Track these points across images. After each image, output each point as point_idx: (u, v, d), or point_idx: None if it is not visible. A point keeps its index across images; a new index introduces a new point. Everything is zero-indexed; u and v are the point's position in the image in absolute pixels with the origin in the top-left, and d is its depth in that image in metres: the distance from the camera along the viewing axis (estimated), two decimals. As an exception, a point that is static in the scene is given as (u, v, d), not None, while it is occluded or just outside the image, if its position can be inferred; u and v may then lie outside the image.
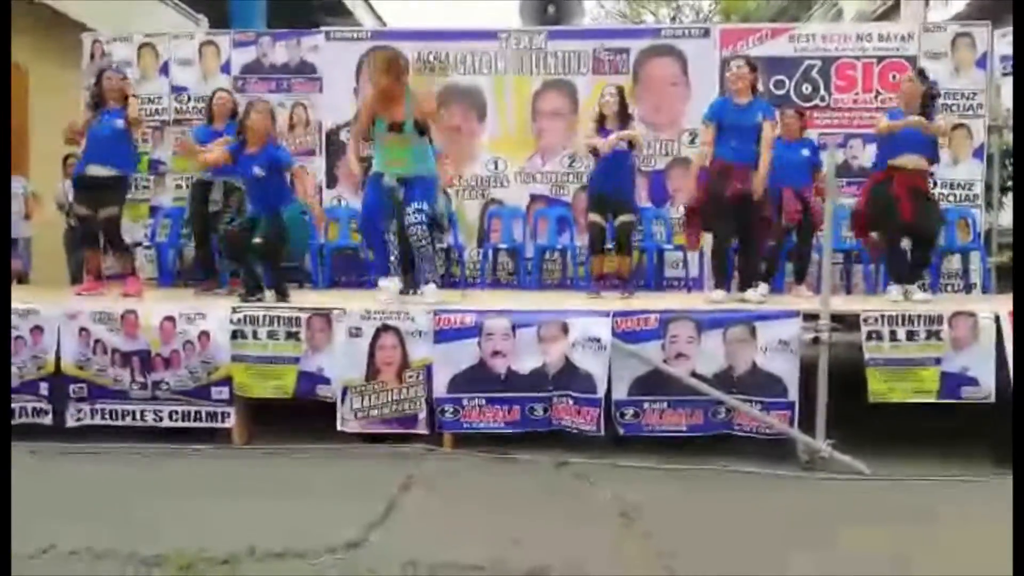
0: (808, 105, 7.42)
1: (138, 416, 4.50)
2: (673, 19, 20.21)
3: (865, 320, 4.20)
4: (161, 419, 4.49)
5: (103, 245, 5.90)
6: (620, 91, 5.91)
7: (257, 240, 4.98)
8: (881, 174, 5.39)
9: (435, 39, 7.69)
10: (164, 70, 7.78)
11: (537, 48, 7.58)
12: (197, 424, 4.46)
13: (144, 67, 7.76)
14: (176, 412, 4.48)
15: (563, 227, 7.18)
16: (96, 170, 5.56)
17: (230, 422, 4.44)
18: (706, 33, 7.59)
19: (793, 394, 4.16)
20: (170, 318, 4.49)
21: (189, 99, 7.76)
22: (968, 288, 6.88)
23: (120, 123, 5.63)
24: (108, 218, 5.67)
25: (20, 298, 4.82)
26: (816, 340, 4.09)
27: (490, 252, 7.28)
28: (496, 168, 7.51)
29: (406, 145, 4.87)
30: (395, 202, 4.92)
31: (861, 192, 5.93)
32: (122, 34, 7.83)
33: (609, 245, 6.54)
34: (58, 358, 4.52)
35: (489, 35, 7.67)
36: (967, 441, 4.25)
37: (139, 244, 7.47)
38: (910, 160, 5.28)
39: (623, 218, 5.74)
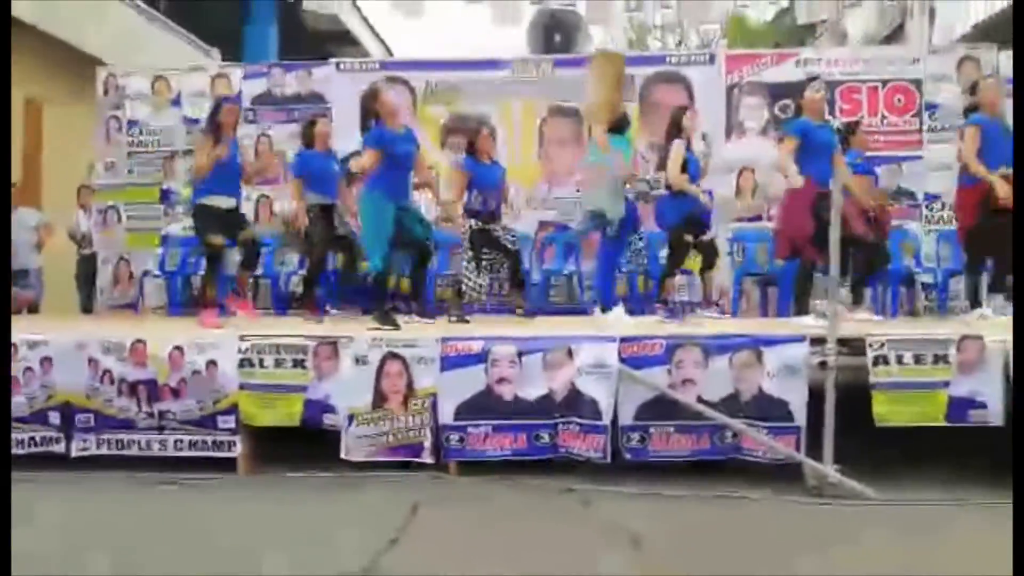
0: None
1: (144, 446, 4.51)
2: (679, 45, 20.37)
3: (871, 344, 4.17)
4: (167, 448, 4.50)
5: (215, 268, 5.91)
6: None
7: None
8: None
9: (443, 69, 7.79)
10: (176, 102, 7.91)
11: (544, 76, 7.66)
12: (203, 453, 4.47)
13: (157, 100, 7.90)
14: (182, 441, 4.49)
15: (569, 253, 7.17)
16: (226, 201, 5.67)
17: (236, 451, 4.45)
18: (711, 59, 7.66)
19: (800, 419, 4.12)
20: (179, 348, 4.52)
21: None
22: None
23: (238, 154, 5.81)
24: (250, 239, 5.83)
25: (30, 328, 4.87)
26: (823, 364, 4.07)
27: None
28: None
29: None
30: None
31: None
32: (136, 68, 8.00)
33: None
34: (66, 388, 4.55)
35: (497, 64, 7.76)
36: (975, 465, 4.19)
37: (147, 272, 7.55)
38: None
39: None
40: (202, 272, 6.16)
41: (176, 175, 7.86)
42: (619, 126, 5.07)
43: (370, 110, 5.46)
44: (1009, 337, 4.09)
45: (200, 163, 5.57)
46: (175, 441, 4.49)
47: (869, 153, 6.37)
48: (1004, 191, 5.08)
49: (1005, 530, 3.44)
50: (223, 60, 10.69)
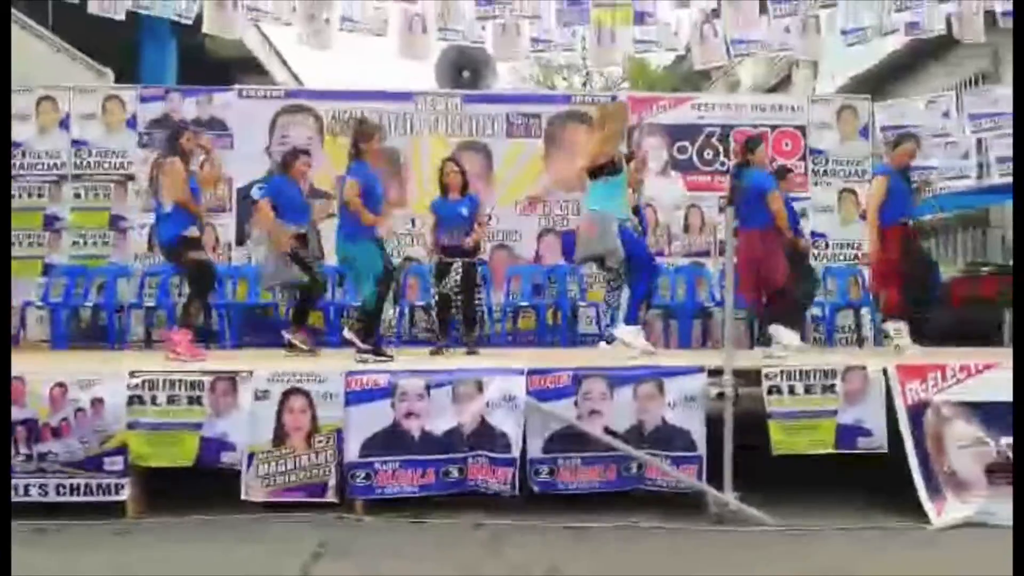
0: (708, 170, 7.83)
1: (22, 491, 4.17)
2: (584, 85, 21.02)
3: (766, 375, 4.37)
4: (47, 493, 4.18)
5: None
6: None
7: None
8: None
9: (350, 99, 7.75)
10: (64, 124, 7.52)
11: (452, 110, 7.75)
12: (87, 498, 4.17)
13: (43, 120, 7.50)
14: (64, 486, 4.18)
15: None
16: (195, 232, 5.49)
17: (124, 494, 4.18)
18: (614, 99, 7.95)
19: (701, 448, 4.25)
20: (61, 384, 4.23)
21: (90, 153, 7.51)
22: (860, 342, 7.28)
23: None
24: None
25: None
26: (721, 395, 4.22)
27: (406, 309, 7.25)
28: (413, 226, 7.54)
29: None
30: None
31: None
32: (20, 86, 7.56)
33: (525, 303, 6.63)
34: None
35: (404, 96, 7.80)
36: (867, 490, 4.43)
37: (29, 303, 7.09)
38: None
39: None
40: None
41: (63, 200, 7.44)
42: (612, 170, 5.16)
43: (355, 144, 5.42)
44: (891, 365, 4.37)
45: (180, 194, 5.31)
46: (56, 485, 4.18)
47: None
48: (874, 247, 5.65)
49: (898, 554, 3.66)
50: (117, 82, 10.26)
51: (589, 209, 5.35)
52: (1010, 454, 4.10)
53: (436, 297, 6.13)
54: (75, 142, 7.48)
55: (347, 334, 5.33)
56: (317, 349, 5.85)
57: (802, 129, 7.85)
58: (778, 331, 5.35)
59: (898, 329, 5.61)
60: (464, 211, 6.00)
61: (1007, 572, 3.13)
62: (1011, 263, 9.17)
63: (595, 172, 5.21)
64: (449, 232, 5.99)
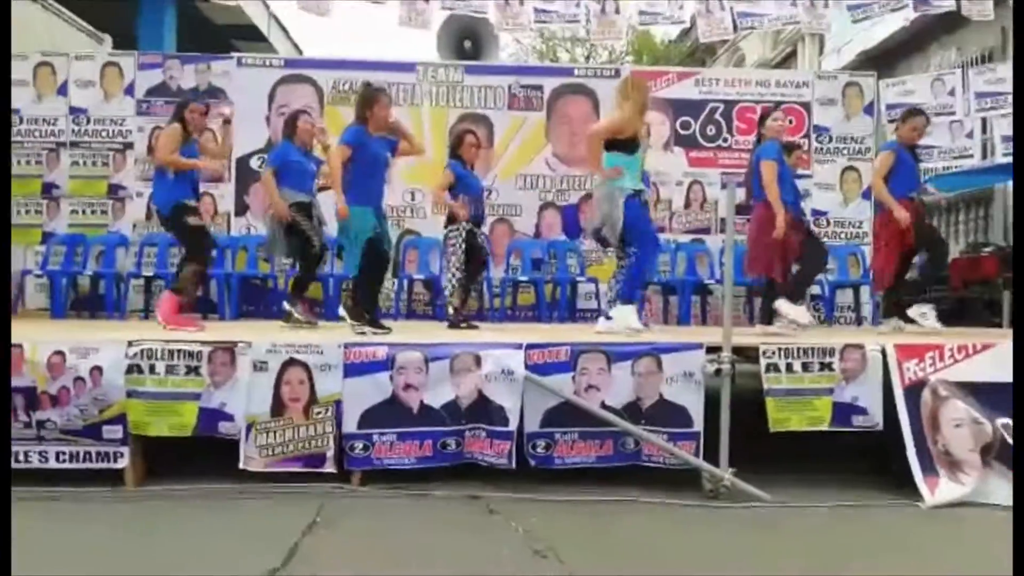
0: (711, 146, 7.77)
1: (22, 458, 4.19)
2: (587, 59, 20.81)
3: (764, 352, 4.37)
4: (47, 460, 4.20)
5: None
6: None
7: None
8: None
9: (350, 69, 7.68)
10: (62, 90, 7.45)
11: (454, 82, 7.67)
12: (87, 465, 4.19)
13: (40, 87, 7.43)
14: (64, 453, 4.20)
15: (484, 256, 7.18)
16: (194, 202, 5.53)
17: (123, 462, 4.20)
18: (617, 73, 7.87)
19: (698, 424, 4.27)
20: (59, 352, 4.23)
21: (88, 121, 7.46)
22: (859, 320, 7.29)
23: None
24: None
25: None
26: (718, 372, 4.23)
27: (406, 282, 7.24)
28: (412, 199, 7.51)
29: None
30: None
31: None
32: (18, 52, 7.48)
33: (524, 278, 6.61)
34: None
35: (406, 67, 7.72)
36: (862, 468, 4.46)
37: (28, 272, 7.08)
38: None
39: None
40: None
41: (61, 168, 7.40)
42: (632, 144, 5.04)
43: (360, 112, 5.34)
44: (889, 344, 4.38)
45: (176, 159, 5.26)
46: (56, 453, 4.20)
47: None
48: (903, 217, 5.47)
49: (890, 531, 3.69)
50: (115, 49, 10.14)
51: (600, 184, 5.24)
52: (1005, 434, 4.12)
53: (458, 266, 5.86)
54: (73, 109, 7.42)
55: (341, 311, 5.31)
56: (315, 321, 5.84)
57: (807, 106, 7.78)
58: (785, 306, 5.33)
59: (924, 313, 5.56)
60: (482, 184, 6.01)
61: (999, 551, 3.16)
62: (1011, 243, 9.15)
63: (612, 144, 5.11)
64: (474, 202, 5.91)
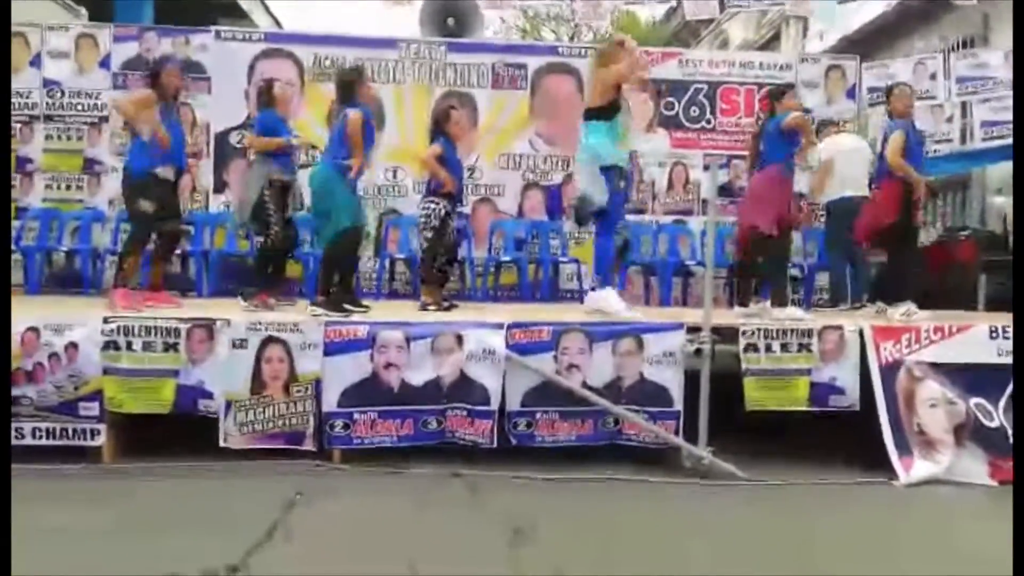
0: (695, 127, 7.76)
1: (-5, 434, 4.14)
2: (571, 38, 20.66)
3: (743, 333, 4.40)
4: (23, 436, 4.15)
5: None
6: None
7: None
8: None
9: (332, 44, 7.56)
10: (36, 62, 7.28)
11: (437, 59, 7.58)
12: (63, 442, 4.15)
13: (13, 59, 7.24)
14: (40, 429, 4.15)
15: (460, 239, 7.15)
16: (173, 173, 5.27)
17: (100, 439, 4.16)
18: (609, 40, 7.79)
19: (678, 404, 4.30)
20: (34, 329, 4.17)
21: (63, 94, 7.30)
22: (835, 302, 7.32)
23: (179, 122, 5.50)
24: (176, 232, 5.57)
25: None
26: (698, 352, 4.25)
27: (387, 262, 7.19)
28: (395, 177, 7.44)
29: None
30: None
31: None
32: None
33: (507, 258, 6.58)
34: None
35: (388, 43, 7.61)
36: (836, 447, 4.52)
37: (3, 248, 6.92)
38: None
39: None
40: (118, 247, 5.88)
41: (35, 142, 7.24)
42: (606, 113, 4.92)
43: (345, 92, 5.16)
44: (866, 325, 4.42)
45: (144, 123, 5.00)
46: (32, 429, 4.15)
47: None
48: (923, 191, 5.54)
49: (862, 509, 3.75)
50: (90, 21, 9.93)
51: (582, 152, 5.10)
52: (979, 415, 4.19)
53: (440, 247, 5.63)
54: (47, 82, 7.26)
55: (317, 311, 4.84)
56: (282, 304, 5.47)
57: (790, 88, 7.76)
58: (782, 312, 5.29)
59: (907, 312, 5.57)
60: (463, 167, 5.83)
61: (973, 528, 3.22)
62: (988, 228, 9.24)
63: (591, 113, 5.02)
64: (458, 180, 5.72)
